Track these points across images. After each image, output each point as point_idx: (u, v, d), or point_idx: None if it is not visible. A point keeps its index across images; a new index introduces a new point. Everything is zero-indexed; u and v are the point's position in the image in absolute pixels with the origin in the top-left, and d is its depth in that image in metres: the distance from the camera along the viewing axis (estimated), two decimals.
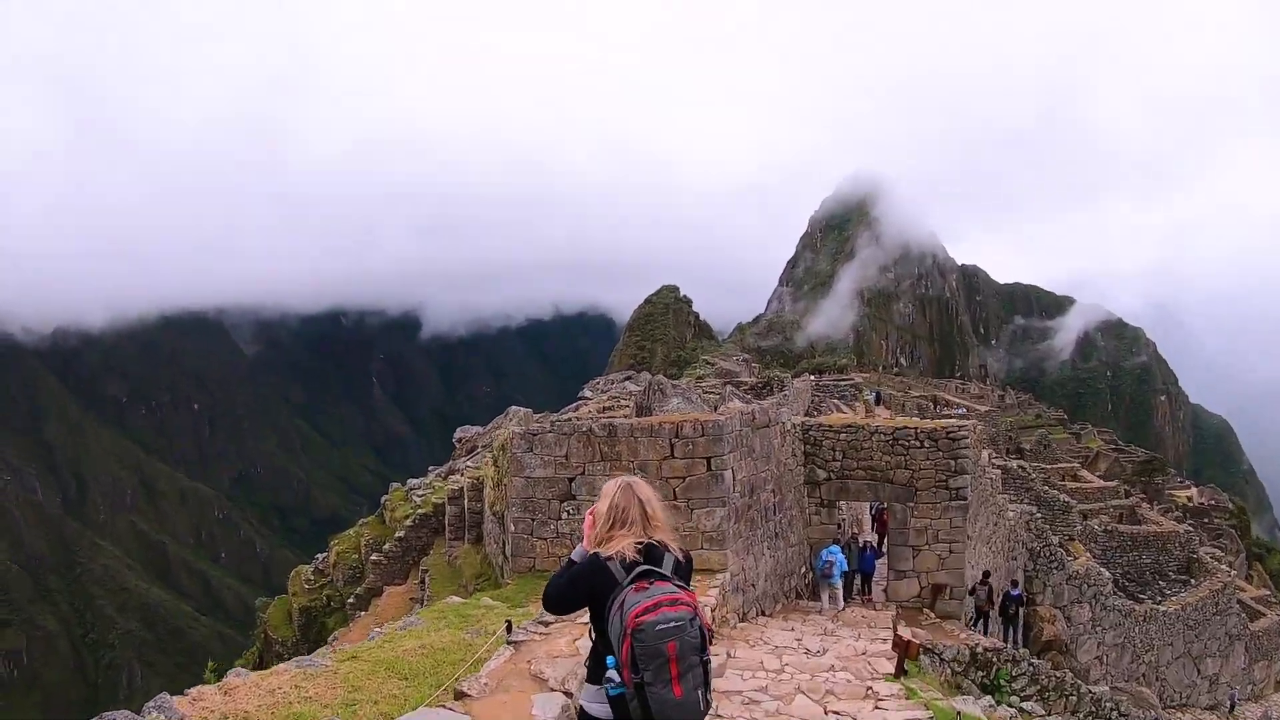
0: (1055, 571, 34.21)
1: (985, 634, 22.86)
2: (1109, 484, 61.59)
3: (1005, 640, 24.93)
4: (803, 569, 21.75)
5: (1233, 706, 41.29)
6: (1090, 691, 21.41)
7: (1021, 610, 28.14)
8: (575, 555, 5.06)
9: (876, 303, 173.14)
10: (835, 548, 20.87)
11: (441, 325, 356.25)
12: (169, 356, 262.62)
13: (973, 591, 23.17)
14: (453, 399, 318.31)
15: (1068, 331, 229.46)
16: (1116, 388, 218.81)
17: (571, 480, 17.10)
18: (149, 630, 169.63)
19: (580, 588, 4.86)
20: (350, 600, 33.23)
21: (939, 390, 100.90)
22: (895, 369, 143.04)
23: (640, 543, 4.82)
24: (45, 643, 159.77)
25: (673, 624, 4.47)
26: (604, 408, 36.80)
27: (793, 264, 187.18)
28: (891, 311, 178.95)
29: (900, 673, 13.38)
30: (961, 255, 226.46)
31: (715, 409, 32.63)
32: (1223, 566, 47.82)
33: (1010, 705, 16.80)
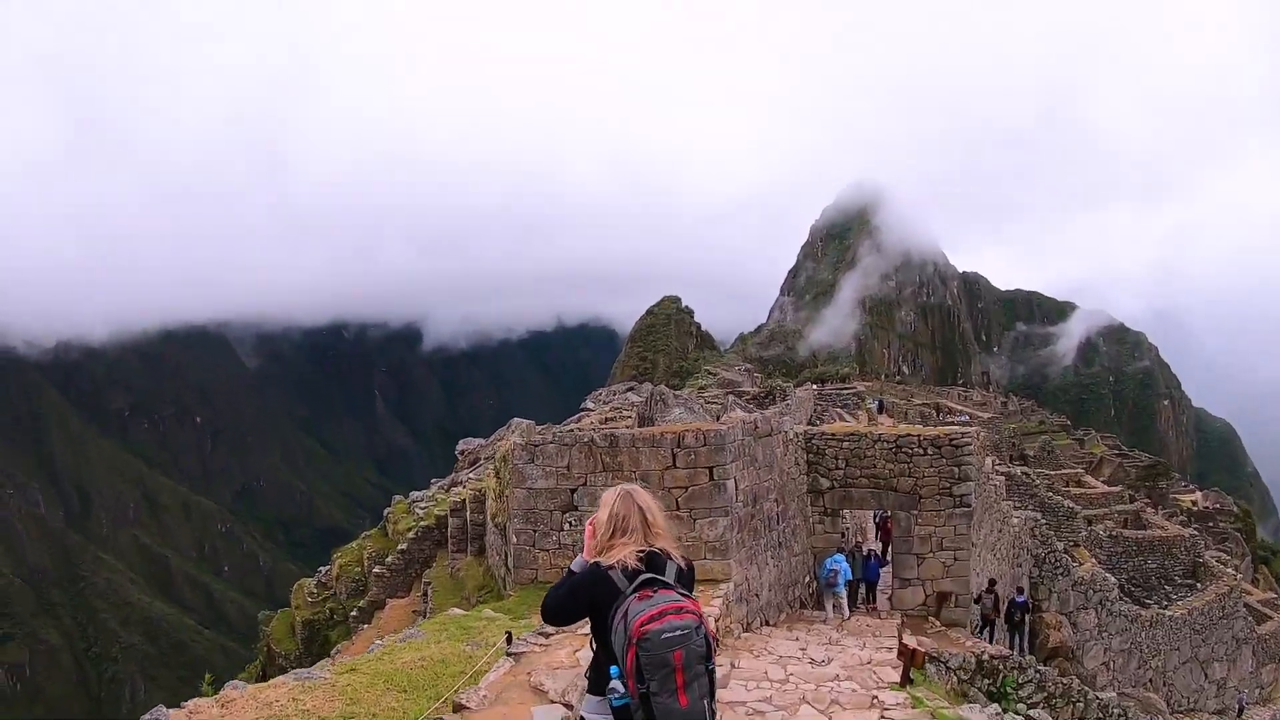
0: (1061, 578, 34.08)
1: (991, 641, 22.74)
2: (1113, 489, 61.41)
3: (1011, 647, 24.79)
4: (807, 578, 21.64)
5: (1241, 710, 41.10)
6: (1097, 698, 21.28)
7: (1027, 617, 28.00)
8: (575, 566, 4.99)
9: (878, 311, 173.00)
10: (840, 556, 20.73)
11: (443, 337, 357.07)
12: (171, 370, 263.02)
13: (978, 599, 23.05)
14: (455, 411, 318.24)
15: (1070, 337, 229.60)
16: (1119, 393, 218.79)
17: (573, 491, 17.03)
18: (152, 644, 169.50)
19: (580, 598, 4.80)
20: (353, 613, 33.11)
21: (942, 398, 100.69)
22: (898, 377, 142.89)
23: (642, 551, 4.77)
24: (48, 656, 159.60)
25: (678, 632, 4.42)
26: (606, 419, 36.67)
27: (794, 273, 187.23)
28: (893, 320, 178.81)
29: (906, 681, 13.28)
30: (962, 262, 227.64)
31: (717, 419, 32.53)
32: (1228, 570, 47.65)
33: (1017, 713, 16.67)
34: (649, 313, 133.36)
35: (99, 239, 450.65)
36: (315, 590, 38.42)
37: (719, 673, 5.75)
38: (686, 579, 4.82)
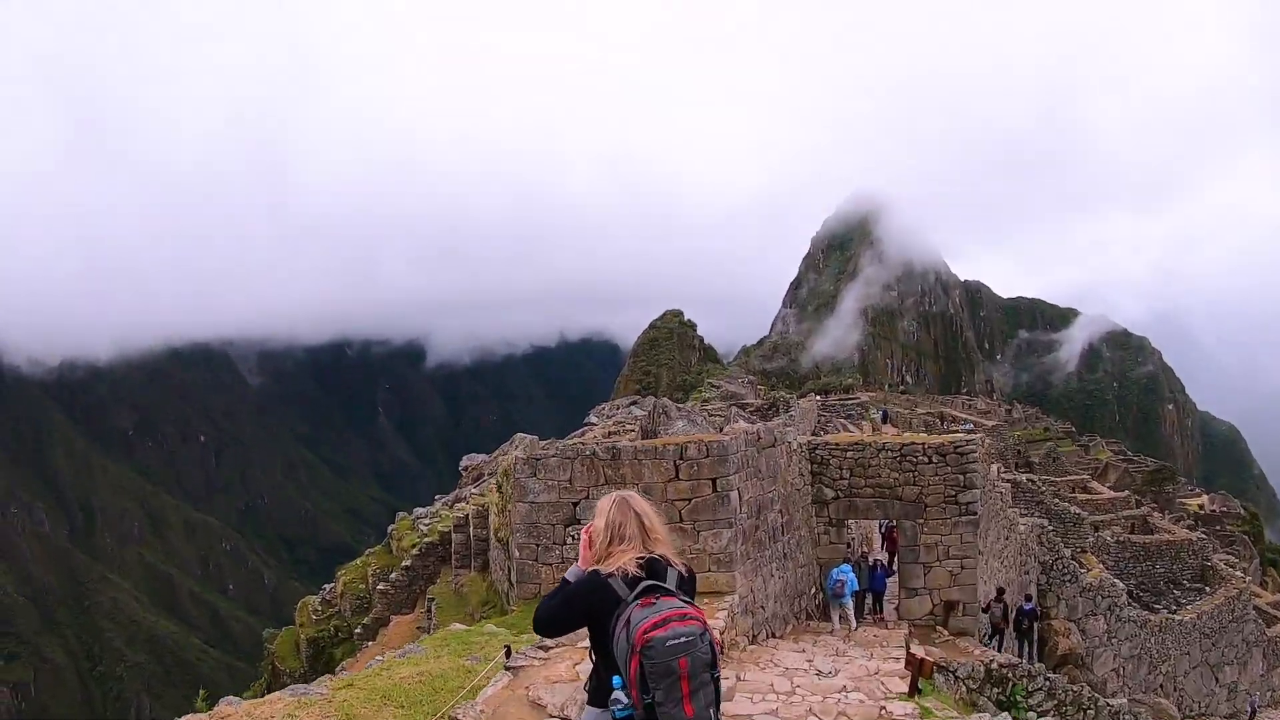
0: (1069, 584, 33.92)
1: (1000, 650, 22.55)
2: (1119, 495, 61.14)
3: (1020, 655, 24.62)
4: (813, 589, 21.46)
5: (1253, 713, 40.85)
6: (1108, 704, 21.12)
7: (1036, 625, 27.83)
8: (569, 575, 4.88)
9: (881, 321, 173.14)
10: (846, 566, 20.56)
11: (446, 354, 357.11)
12: (175, 388, 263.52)
13: (986, 608, 22.87)
14: (458, 427, 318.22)
15: (1073, 344, 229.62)
16: (1123, 398, 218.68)
17: (576, 504, 16.89)
18: (157, 662, 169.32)
19: (577, 606, 4.70)
20: (358, 630, 33.04)
21: (946, 407, 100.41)
22: (901, 387, 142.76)
23: (642, 557, 4.68)
24: (53, 675, 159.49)
25: (683, 639, 4.33)
26: (609, 433, 36.62)
27: (796, 285, 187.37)
28: (896, 330, 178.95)
29: (914, 692, 13.14)
30: (964, 271, 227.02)
31: (720, 430, 32.42)
32: (1237, 573, 47.38)
33: None
34: (652, 326, 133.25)
35: (100, 247, 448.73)
36: (320, 608, 38.29)
37: (724, 685, 5.64)
38: (688, 586, 4.73)
